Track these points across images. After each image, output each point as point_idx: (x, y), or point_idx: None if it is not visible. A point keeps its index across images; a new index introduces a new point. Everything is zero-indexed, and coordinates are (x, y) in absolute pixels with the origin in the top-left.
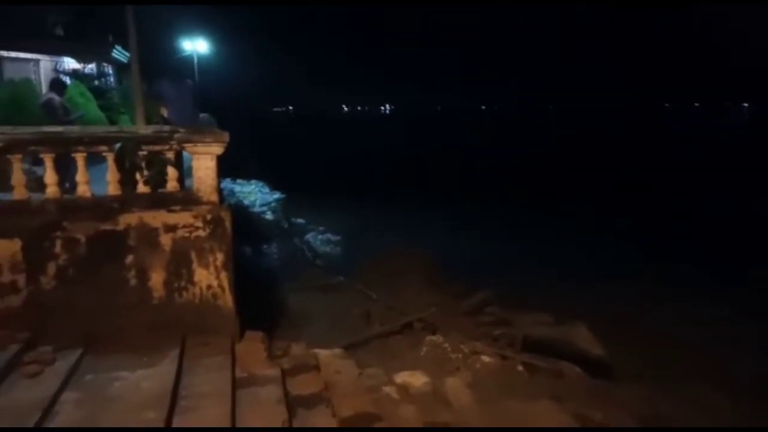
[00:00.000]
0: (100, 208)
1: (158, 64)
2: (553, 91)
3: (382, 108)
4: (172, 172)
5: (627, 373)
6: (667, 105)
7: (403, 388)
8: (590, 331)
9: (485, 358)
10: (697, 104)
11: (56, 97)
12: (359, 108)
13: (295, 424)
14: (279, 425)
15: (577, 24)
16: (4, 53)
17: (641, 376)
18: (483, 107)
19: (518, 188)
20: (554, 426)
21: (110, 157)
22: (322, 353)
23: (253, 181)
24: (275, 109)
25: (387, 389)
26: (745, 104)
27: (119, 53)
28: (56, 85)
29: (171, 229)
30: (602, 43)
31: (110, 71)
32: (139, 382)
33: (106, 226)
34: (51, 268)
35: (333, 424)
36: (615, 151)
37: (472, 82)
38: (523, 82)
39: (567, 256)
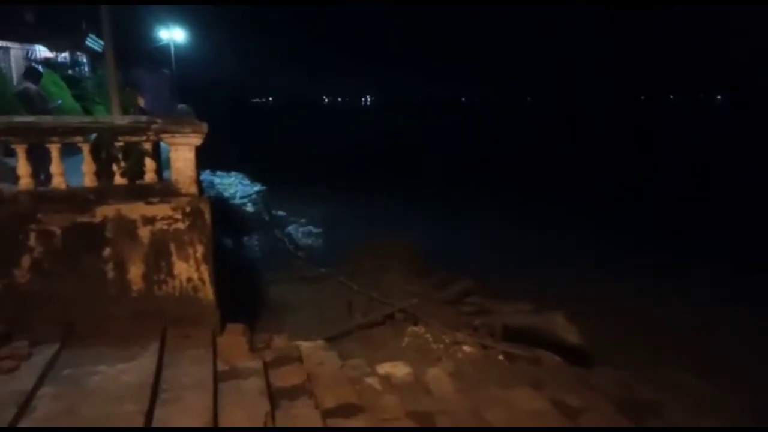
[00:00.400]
0: (76, 200)
1: (134, 53)
2: (534, 83)
3: (363, 99)
4: (149, 163)
5: (605, 358)
6: (642, 98)
7: (386, 379)
8: (568, 320)
9: (466, 348)
10: (672, 96)
11: (32, 86)
12: (339, 99)
13: (278, 415)
14: (262, 417)
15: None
16: None
17: (619, 362)
18: (463, 99)
19: (502, 178)
20: (533, 411)
21: (85, 148)
22: (305, 345)
23: (233, 173)
24: (255, 100)
25: (369, 380)
26: (719, 96)
27: (93, 42)
28: (31, 73)
29: (149, 221)
30: (581, 35)
31: (84, 60)
32: (119, 376)
33: (83, 219)
34: (26, 261)
35: (316, 415)
36: (600, 142)
37: (455, 72)
38: (503, 73)
39: (549, 244)
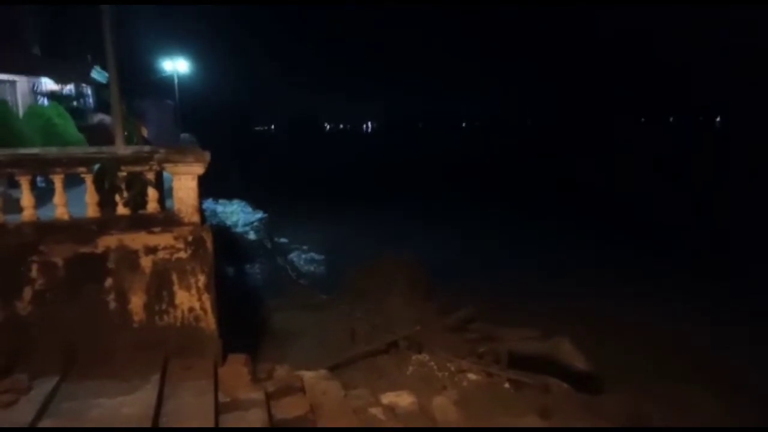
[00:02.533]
0: (79, 230)
1: (138, 84)
2: (531, 103)
3: (365, 126)
4: (152, 192)
5: (613, 381)
6: (643, 119)
7: (390, 409)
8: (574, 345)
9: (472, 376)
10: (672, 119)
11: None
12: (341, 126)
13: None
14: None
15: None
16: None
17: (626, 384)
18: (464, 124)
19: (500, 197)
20: None
21: (88, 179)
22: (307, 375)
23: (236, 201)
24: (257, 128)
25: (373, 410)
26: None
27: (98, 74)
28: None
29: (151, 251)
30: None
31: (89, 92)
32: (119, 408)
33: (85, 249)
34: (27, 292)
35: None
36: (593, 162)
37: (456, 95)
38: (501, 94)
39: (550, 263)
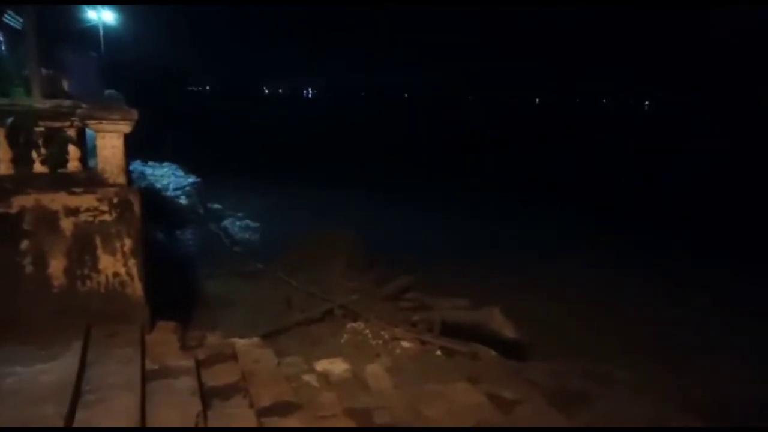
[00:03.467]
0: None
1: (59, 33)
2: (473, 79)
3: (305, 91)
4: (73, 150)
5: (540, 352)
6: (577, 100)
7: (323, 376)
8: (504, 315)
9: (405, 344)
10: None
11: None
12: (280, 90)
13: (211, 415)
14: (193, 418)
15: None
16: None
17: (554, 355)
18: (406, 95)
19: (442, 171)
20: (469, 405)
21: (1, 133)
22: (240, 342)
23: (167, 164)
24: (191, 88)
25: (306, 377)
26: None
27: (11, 18)
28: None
29: (72, 212)
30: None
31: (1, 38)
32: (37, 376)
33: None
34: None
35: (250, 414)
36: (540, 137)
37: (399, 67)
38: (445, 69)
39: (491, 236)
